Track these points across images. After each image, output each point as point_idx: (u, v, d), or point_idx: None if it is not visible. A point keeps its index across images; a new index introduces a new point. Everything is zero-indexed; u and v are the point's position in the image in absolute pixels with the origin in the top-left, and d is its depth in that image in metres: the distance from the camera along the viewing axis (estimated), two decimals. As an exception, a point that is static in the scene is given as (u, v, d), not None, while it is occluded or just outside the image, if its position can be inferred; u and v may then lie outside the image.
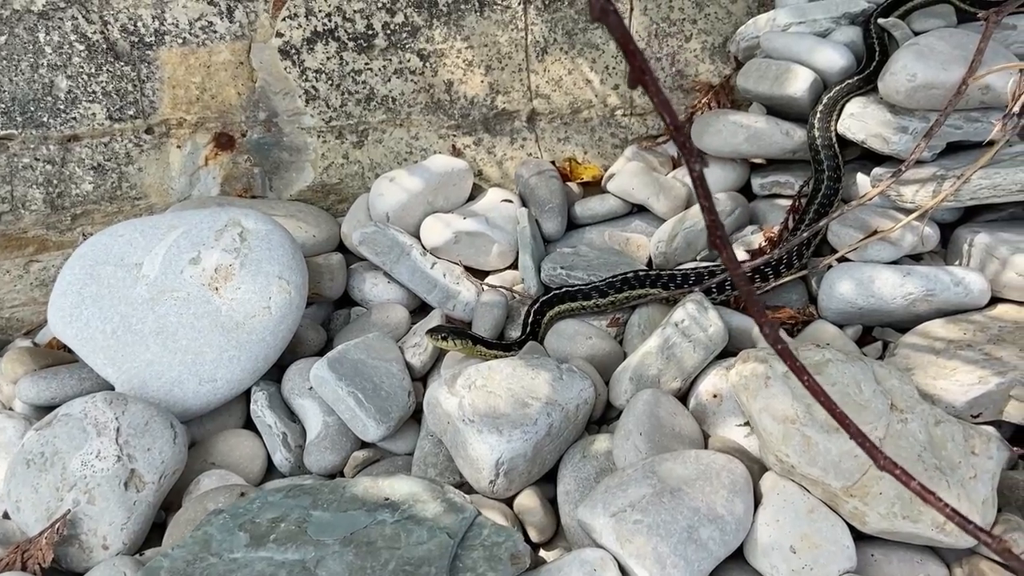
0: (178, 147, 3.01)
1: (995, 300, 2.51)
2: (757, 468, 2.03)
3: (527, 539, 2.09)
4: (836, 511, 1.89)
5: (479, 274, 2.89)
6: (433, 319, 2.64)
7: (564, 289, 2.57)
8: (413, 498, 1.90)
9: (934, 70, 2.47)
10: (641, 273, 2.55)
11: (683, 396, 2.32)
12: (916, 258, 2.68)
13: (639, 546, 1.80)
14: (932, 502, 1.28)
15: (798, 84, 2.76)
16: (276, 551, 1.81)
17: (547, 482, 2.18)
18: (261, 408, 2.41)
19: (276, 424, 2.38)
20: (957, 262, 2.63)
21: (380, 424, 2.28)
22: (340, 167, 3.12)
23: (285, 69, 2.98)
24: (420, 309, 2.82)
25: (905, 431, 1.91)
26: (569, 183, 3.13)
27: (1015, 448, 2.22)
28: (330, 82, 3.02)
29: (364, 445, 2.36)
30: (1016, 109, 2.21)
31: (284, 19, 2.94)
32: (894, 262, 2.60)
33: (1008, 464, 2.14)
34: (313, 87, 3.02)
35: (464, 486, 2.16)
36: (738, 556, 1.90)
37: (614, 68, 3.23)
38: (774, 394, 1.92)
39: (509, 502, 2.11)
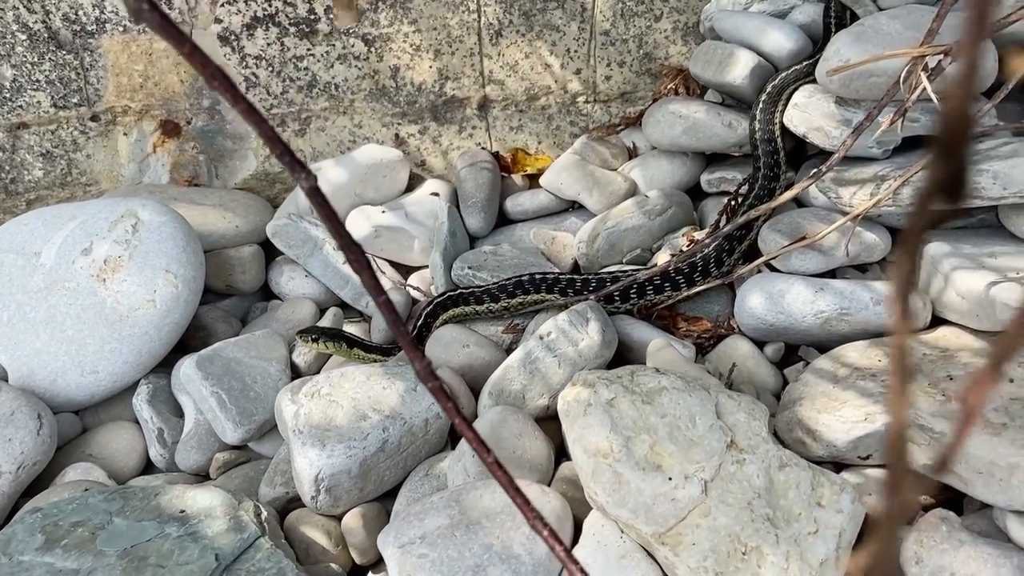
0: (124, 134, 3.03)
1: (941, 321, 2.18)
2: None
3: (352, 562, 1.97)
4: (655, 558, 1.69)
5: (405, 270, 2.77)
6: (327, 319, 2.55)
7: (459, 291, 2.41)
8: (205, 513, 1.82)
9: (871, 55, 2.14)
10: (537, 277, 2.36)
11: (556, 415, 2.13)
12: (862, 269, 2.37)
13: (418, 583, 1.66)
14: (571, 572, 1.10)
15: (738, 70, 2.48)
16: (59, 557, 1.77)
17: (392, 499, 2.05)
18: (140, 402, 2.38)
19: (152, 419, 2.35)
20: (912, 274, 2.30)
21: (239, 427, 2.21)
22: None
23: (225, 56, 2.94)
24: (341, 305, 2.73)
25: (740, 474, 1.67)
26: (513, 176, 2.95)
27: (922, 496, 1.92)
28: (271, 68, 2.96)
29: (233, 446, 2.30)
30: (911, 102, 1.88)
31: (223, 4, 2.89)
32: (831, 273, 2.30)
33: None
34: (253, 74, 2.96)
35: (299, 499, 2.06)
36: (550, 599, 1.72)
37: (576, 51, 3.01)
38: (591, 424, 1.72)
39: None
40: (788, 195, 2.18)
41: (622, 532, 1.71)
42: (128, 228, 2.47)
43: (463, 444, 1.95)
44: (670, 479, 1.66)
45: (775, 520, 1.63)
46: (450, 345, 2.28)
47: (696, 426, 1.72)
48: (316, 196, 1.06)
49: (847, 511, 1.65)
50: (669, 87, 2.95)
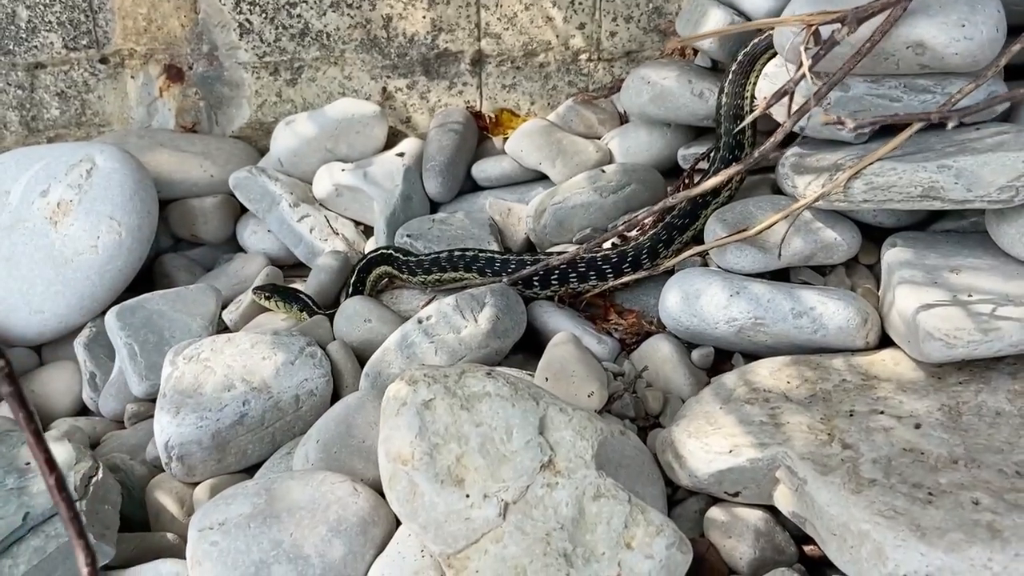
0: (132, 77, 3.07)
1: (891, 342, 1.85)
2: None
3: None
4: (450, 579, 1.53)
5: (368, 229, 2.68)
6: (260, 277, 2.49)
7: (390, 251, 2.29)
8: (37, 471, 1.82)
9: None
10: (455, 254, 2.20)
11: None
12: (822, 271, 2.04)
13: (203, 572, 1.59)
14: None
15: (707, 32, 2.17)
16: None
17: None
18: (79, 345, 2.43)
19: (87, 362, 2.39)
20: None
21: (144, 380, 2.21)
22: (274, 105, 3.01)
23: (221, 1, 2.90)
24: (297, 265, 2.67)
25: (548, 499, 1.49)
26: (493, 138, 2.76)
27: (807, 547, 1.65)
28: (264, 15, 2.90)
29: (142, 399, 2.31)
30: (793, 83, 1.55)
31: (219, -52, 2.85)
32: (782, 274, 2.00)
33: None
34: (247, 20, 2.91)
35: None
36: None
37: (580, 4, 2.76)
38: (399, 425, 1.57)
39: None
40: (711, 183, 1.90)
41: (423, 547, 1.57)
42: (83, 173, 2.50)
43: (312, 429, 1.85)
44: (468, 496, 1.50)
45: (572, 557, 1.44)
46: (351, 318, 2.17)
47: (512, 440, 1.54)
48: None
49: (659, 557, 1.43)
50: (674, 47, 2.66)
